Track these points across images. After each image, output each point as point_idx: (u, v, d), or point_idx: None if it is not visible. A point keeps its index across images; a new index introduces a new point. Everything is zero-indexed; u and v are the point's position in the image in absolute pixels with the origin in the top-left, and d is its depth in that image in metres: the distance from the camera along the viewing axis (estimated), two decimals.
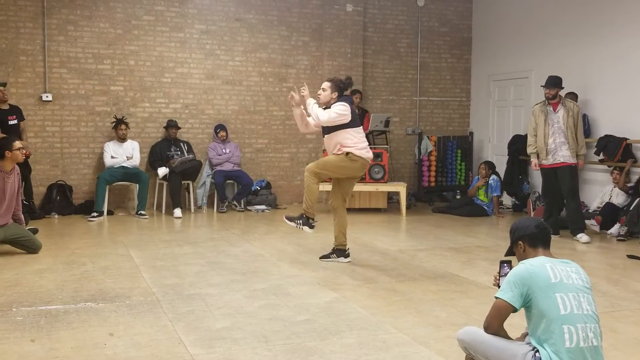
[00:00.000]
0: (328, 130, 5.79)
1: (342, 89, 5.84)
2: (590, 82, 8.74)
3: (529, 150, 7.54)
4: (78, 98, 9.18)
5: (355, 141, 5.77)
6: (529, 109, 9.98)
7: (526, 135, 9.69)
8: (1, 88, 7.94)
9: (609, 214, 7.78)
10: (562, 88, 7.34)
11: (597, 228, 7.77)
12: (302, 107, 6.03)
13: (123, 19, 9.34)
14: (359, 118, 5.99)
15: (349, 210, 9.46)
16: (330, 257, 6.00)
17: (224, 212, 9.22)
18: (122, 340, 3.75)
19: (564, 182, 7.27)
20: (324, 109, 5.78)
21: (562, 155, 7.23)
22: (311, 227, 5.88)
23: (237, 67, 10.00)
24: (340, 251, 6.00)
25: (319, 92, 5.88)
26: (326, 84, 5.85)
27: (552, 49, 9.49)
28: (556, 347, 2.66)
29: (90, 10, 9.17)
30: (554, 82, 7.26)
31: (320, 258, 6.05)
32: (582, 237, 7.18)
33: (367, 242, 7.02)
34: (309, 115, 5.99)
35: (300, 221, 5.86)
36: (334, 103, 5.73)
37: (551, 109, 7.30)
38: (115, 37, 9.31)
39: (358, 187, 9.14)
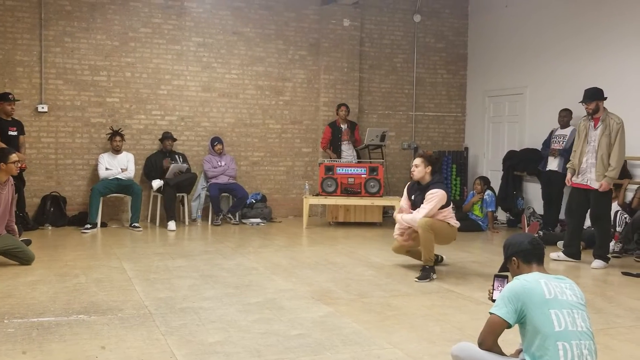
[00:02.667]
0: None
1: (434, 163, 6.11)
2: None
3: (568, 164, 7.07)
4: (73, 109, 9.18)
5: (450, 215, 6.11)
6: (524, 124, 10.07)
7: (521, 151, 9.84)
8: (12, 102, 8.03)
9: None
10: (605, 99, 6.62)
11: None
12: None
13: (120, 31, 9.36)
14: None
15: (344, 223, 9.47)
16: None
17: (218, 225, 9.19)
18: (114, 353, 3.71)
19: (591, 206, 6.75)
20: (416, 184, 6.14)
21: (590, 178, 6.66)
22: (435, 272, 6.01)
23: (233, 80, 10.02)
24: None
25: (412, 169, 6.16)
26: (418, 160, 6.13)
27: (546, 65, 9.55)
28: None
29: (88, 22, 9.20)
30: (590, 95, 6.59)
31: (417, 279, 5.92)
32: (594, 262, 6.67)
33: (362, 257, 7.01)
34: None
35: (431, 273, 5.92)
36: (430, 182, 6.02)
37: (592, 125, 6.66)
38: (111, 49, 9.32)
39: (354, 201, 9.17)
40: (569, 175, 6.95)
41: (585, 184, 6.74)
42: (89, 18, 9.20)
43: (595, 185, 6.64)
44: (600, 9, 8.71)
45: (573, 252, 6.97)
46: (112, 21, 9.32)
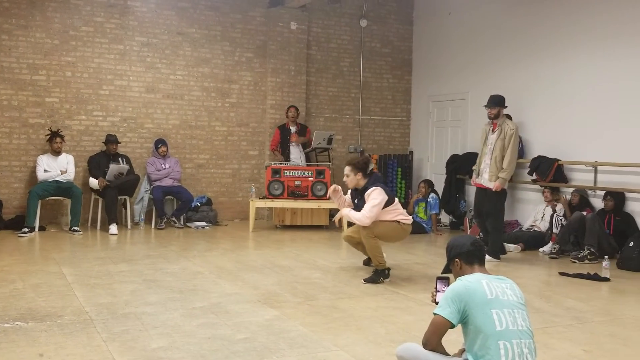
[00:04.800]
0: None
1: (364, 168, 6.00)
2: (524, 104, 9.07)
3: (473, 167, 7.52)
4: (11, 109, 8.85)
5: (398, 212, 5.99)
6: (466, 129, 10.31)
7: (464, 154, 10.07)
8: None
9: (532, 242, 8.01)
10: (505, 107, 7.18)
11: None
12: (338, 199, 6.35)
13: (60, 30, 9.09)
14: (380, 181, 6.25)
15: (291, 227, 9.46)
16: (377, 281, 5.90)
17: (162, 229, 9.03)
18: None
19: (486, 203, 7.22)
20: (355, 190, 6.06)
21: (484, 178, 7.18)
22: (389, 276, 5.96)
23: (178, 81, 9.88)
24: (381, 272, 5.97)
25: (344, 179, 6.09)
26: (347, 169, 6.04)
27: (488, 72, 9.81)
28: None
29: (26, 20, 8.90)
30: (494, 101, 7.11)
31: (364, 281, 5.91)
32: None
33: (308, 259, 7.01)
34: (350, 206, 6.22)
35: (381, 277, 5.89)
36: (366, 185, 5.92)
37: (491, 129, 7.21)
38: (51, 48, 9.05)
39: (300, 204, 9.18)
40: (473, 176, 7.47)
41: (482, 183, 7.26)
42: (28, 15, 8.91)
43: (488, 184, 7.14)
44: (537, 16, 9.00)
45: (494, 251, 7.18)
46: (52, 19, 9.04)
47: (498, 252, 7.24)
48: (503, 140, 7.03)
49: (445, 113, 10.90)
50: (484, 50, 9.93)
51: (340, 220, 6.16)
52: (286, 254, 7.39)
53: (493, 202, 7.19)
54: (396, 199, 6.12)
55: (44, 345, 3.85)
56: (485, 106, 7.23)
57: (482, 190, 7.32)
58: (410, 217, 6.21)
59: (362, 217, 5.80)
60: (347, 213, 5.97)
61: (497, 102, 7.13)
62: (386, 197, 5.85)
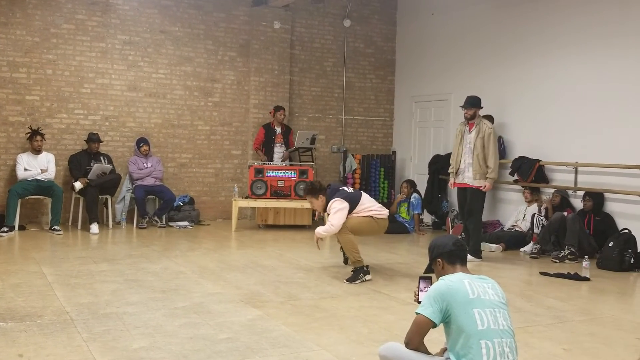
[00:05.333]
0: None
1: (319, 189, 6.21)
2: (506, 105, 9.14)
3: (449, 169, 7.60)
4: None
5: (370, 209, 6.11)
6: (449, 129, 10.35)
7: (446, 155, 10.11)
8: None
9: (513, 242, 8.09)
10: (481, 108, 7.32)
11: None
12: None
13: (41, 27, 8.99)
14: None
15: (274, 226, 9.44)
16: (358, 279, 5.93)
17: (144, 228, 8.97)
18: None
19: (467, 202, 7.31)
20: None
21: (467, 176, 7.24)
22: (368, 272, 5.98)
23: (161, 80, 9.82)
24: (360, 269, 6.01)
25: (313, 209, 6.49)
26: (307, 198, 6.35)
27: (470, 73, 9.86)
28: None
29: (7, 17, 8.78)
30: (471, 102, 7.23)
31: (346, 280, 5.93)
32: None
33: (291, 259, 7.01)
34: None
35: (361, 274, 5.91)
36: (327, 200, 6.12)
37: (467, 129, 7.32)
38: (32, 45, 8.94)
39: (283, 204, 9.17)
40: (451, 179, 7.51)
41: (464, 182, 7.32)
42: (8, 12, 8.79)
43: (472, 182, 7.22)
44: (520, 18, 9.07)
45: (475, 251, 7.25)
46: (32, 16, 8.94)
47: (479, 252, 7.30)
48: (482, 139, 7.15)
49: (428, 113, 10.95)
50: (467, 51, 9.99)
51: (319, 240, 6.18)
52: (269, 253, 7.38)
53: (475, 201, 7.27)
54: (363, 197, 6.19)
55: (23, 346, 3.81)
56: (462, 107, 7.34)
57: (463, 190, 7.37)
58: (386, 211, 6.31)
59: (329, 227, 5.97)
60: (318, 231, 6.07)
61: (473, 103, 7.25)
62: (346, 204, 5.98)
